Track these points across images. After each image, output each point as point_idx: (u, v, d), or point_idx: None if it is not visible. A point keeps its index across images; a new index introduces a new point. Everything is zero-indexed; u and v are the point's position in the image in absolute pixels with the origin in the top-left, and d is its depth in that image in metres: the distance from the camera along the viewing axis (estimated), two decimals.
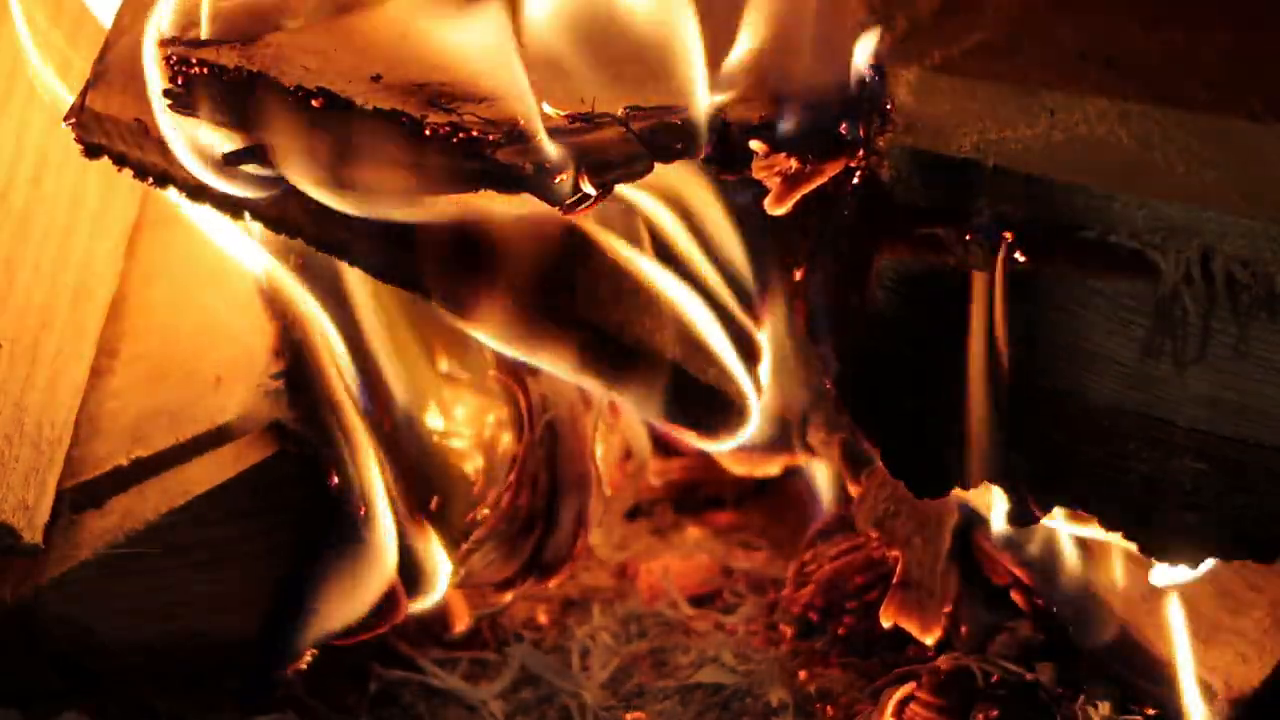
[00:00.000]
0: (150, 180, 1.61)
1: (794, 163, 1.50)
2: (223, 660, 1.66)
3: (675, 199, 1.66)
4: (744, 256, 1.67)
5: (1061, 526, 1.62)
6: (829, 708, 1.71)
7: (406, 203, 1.51)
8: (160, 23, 1.55)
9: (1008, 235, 1.38)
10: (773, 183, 1.51)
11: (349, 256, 1.59)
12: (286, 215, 1.58)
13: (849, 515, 1.81)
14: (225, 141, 1.52)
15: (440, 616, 1.78)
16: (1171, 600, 1.58)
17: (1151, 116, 1.42)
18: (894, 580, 1.70)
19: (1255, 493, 1.39)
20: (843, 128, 1.48)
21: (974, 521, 1.69)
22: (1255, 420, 1.37)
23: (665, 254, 1.64)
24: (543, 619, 1.84)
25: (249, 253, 1.69)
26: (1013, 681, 1.63)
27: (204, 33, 1.55)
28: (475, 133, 1.45)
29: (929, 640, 1.69)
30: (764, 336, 1.66)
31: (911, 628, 1.69)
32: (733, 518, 2.01)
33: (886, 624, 1.69)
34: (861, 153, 1.45)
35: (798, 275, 1.61)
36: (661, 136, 1.48)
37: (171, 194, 1.61)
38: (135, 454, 1.64)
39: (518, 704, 1.73)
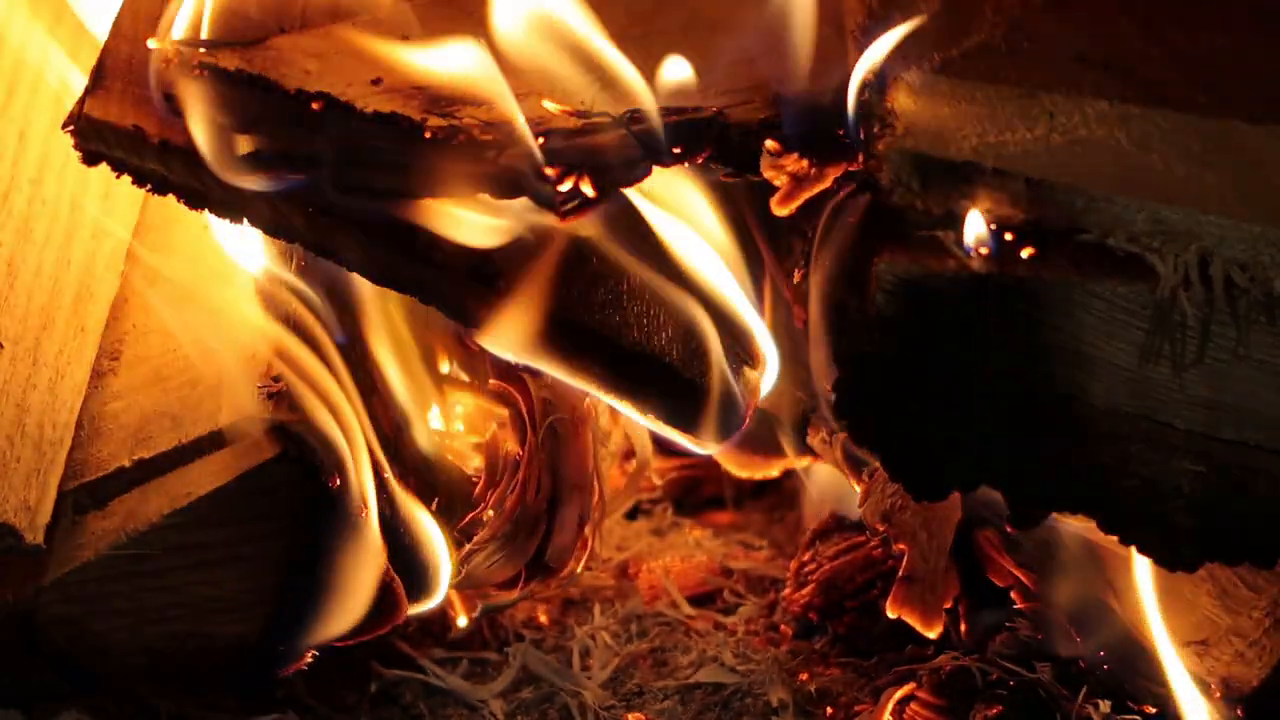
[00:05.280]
0: (149, 186, 1.60)
1: (805, 164, 1.50)
2: (223, 660, 1.66)
3: (674, 200, 1.66)
4: (743, 259, 1.67)
5: (1062, 528, 1.62)
6: (829, 708, 1.71)
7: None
8: (160, 25, 1.56)
9: (1008, 237, 1.39)
10: (781, 182, 1.51)
11: (345, 261, 1.59)
12: (284, 220, 1.58)
13: (848, 516, 1.81)
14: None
15: (441, 616, 1.78)
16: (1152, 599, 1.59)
17: (1151, 119, 1.42)
18: (900, 573, 1.70)
19: (1255, 496, 1.39)
20: (842, 131, 1.48)
21: (977, 521, 1.69)
22: (1254, 423, 1.37)
23: (663, 256, 1.64)
24: (543, 619, 1.84)
25: (250, 255, 1.69)
26: (1013, 681, 1.63)
27: (204, 35, 1.55)
28: (475, 136, 1.45)
29: (931, 634, 1.69)
30: (763, 339, 1.66)
31: (914, 621, 1.69)
32: (733, 518, 2.01)
33: (892, 615, 1.69)
34: (861, 156, 1.45)
35: (797, 278, 1.62)
36: (661, 139, 1.49)
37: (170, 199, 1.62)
38: (137, 455, 1.64)
39: (518, 704, 1.73)
